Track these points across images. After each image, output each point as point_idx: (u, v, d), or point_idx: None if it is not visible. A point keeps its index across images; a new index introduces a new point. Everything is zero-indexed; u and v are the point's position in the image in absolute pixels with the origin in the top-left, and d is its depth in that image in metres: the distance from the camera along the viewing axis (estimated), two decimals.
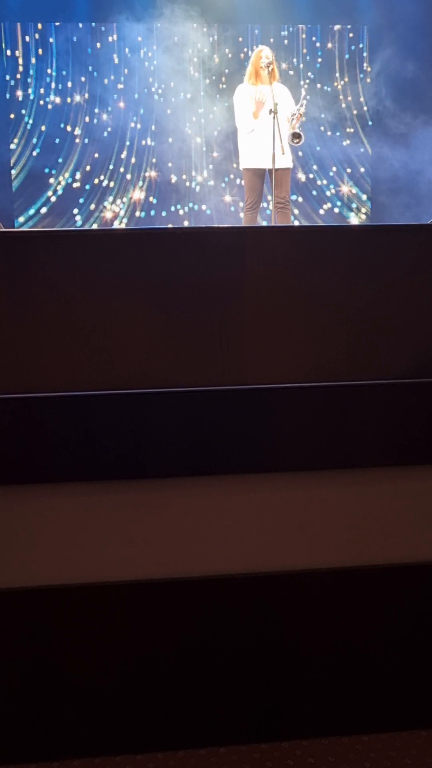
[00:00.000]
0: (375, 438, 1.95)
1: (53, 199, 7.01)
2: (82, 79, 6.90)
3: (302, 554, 1.92)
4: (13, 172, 6.93)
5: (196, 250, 2.04)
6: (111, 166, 7.04)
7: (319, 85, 7.13)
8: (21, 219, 6.97)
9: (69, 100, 6.91)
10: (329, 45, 7.10)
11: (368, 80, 7.11)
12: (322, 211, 7.24)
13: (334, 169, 7.21)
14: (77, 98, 6.92)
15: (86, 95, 6.92)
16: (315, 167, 7.19)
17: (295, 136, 4.25)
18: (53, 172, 6.97)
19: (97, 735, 1.89)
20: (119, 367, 1.97)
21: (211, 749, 1.88)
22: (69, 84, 6.90)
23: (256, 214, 4.58)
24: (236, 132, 4.61)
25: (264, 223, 6.06)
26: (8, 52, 6.81)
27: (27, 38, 6.82)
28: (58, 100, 6.91)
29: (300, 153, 6.89)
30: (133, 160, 7.08)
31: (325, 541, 1.94)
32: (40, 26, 6.79)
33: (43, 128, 6.90)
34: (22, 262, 1.97)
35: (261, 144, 4.31)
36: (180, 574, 1.89)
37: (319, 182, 7.22)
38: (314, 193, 7.23)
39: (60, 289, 1.96)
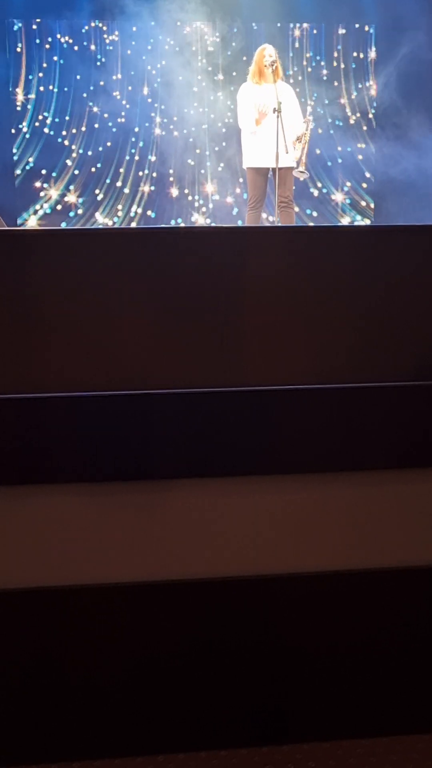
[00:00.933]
0: (378, 440, 1.94)
1: (40, 215, 6.96)
2: (84, 95, 6.85)
3: (305, 557, 1.91)
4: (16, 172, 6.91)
5: (198, 249, 2.03)
6: (108, 180, 6.97)
7: (324, 85, 7.10)
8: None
9: (67, 111, 6.86)
10: (335, 44, 7.07)
11: (374, 81, 7.08)
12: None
13: (340, 171, 7.17)
14: (76, 108, 6.87)
15: (87, 104, 6.86)
16: (323, 173, 7.13)
17: (300, 172, 4.37)
18: (45, 185, 6.92)
19: (97, 737, 1.88)
20: (120, 368, 1.97)
21: (211, 752, 1.87)
22: (68, 103, 6.85)
23: (259, 213, 4.57)
24: (240, 132, 4.60)
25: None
26: (12, 51, 6.80)
27: (23, 43, 6.78)
28: (54, 124, 6.86)
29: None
30: (132, 172, 7.01)
31: (328, 544, 1.93)
32: (36, 24, 6.74)
33: (39, 145, 6.88)
34: (23, 261, 1.97)
35: (264, 143, 4.30)
36: (181, 576, 1.88)
37: (328, 192, 7.16)
38: (317, 195, 7.18)
39: (60, 288, 1.96)
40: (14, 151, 6.86)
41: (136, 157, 6.98)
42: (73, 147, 6.91)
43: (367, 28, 7.06)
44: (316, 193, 7.13)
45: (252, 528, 1.91)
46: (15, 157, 6.88)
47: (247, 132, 4.41)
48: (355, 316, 2.05)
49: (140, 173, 7.03)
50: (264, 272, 2.01)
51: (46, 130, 6.86)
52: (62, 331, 1.96)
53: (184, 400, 1.89)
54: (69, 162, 6.91)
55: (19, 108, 6.81)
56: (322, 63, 7.07)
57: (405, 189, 6.73)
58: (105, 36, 6.83)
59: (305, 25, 6.99)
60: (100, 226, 6.73)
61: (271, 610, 1.91)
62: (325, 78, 7.08)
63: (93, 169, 6.97)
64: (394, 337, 2.05)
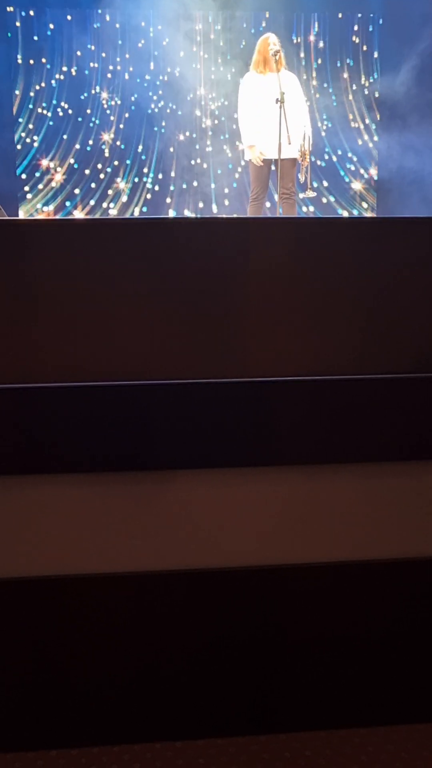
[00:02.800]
0: (379, 432, 1.94)
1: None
2: (77, 107, 6.77)
3: (305, 548, 1.92)
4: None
5: (199, 240, 2.02)
6: (92, 202, 6.89)
7: (328, 76, 7.05)
8: None
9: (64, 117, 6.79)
10: (339, 34, 7.01)
11: (378, 71, 7.03)
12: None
13: (343, 162, 7.12)
14: (71, 120, 6.79)
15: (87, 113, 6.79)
16: (326, 158, 7.08)
17: (310, 192, 4.44)
18: (24, 198, 6.86)
19: (96, 724, 1.89)
20: (120, 358, 1.96)
21: (209, 740, 1.89)
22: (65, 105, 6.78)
23: (262, 205, 4.55)
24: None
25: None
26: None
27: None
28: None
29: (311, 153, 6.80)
30: (130, 187, 6.92)
31: (328, 536, 1.93)
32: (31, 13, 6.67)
33: (29, 153, 6.82)
34: (23, 251, 1.96)
35: (267, 134, 4.28)
36: (181, 566, 1.89)
37: (326, 182, 7.12)
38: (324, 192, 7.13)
39: (61, 279, 1.95)
40: (16, 139, 6.83)
41: (140, 154, 6.92)
42: (63, 166, 6.81)
43: (373, 19, 6.99)
44: (343, 213, 7.05)
45: (251, 519, 1.92)
46: (18, 146, 6.84)
47: (246, 126, 4.40)
48: (357, 307, 2.04)
49: (141, 178, 6.99)
50: (265, 263, 2.01)
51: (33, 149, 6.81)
52: (62, 321, 1.96)
53: (185, 391, 1.89)
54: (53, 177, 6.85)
55: (19, 95, 6.77)
56: (327, 54, 7.01)
57: (409, 182, 6.69)
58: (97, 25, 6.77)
59: (312, 14, 6.93)
60: (101, 217, 6.68)
61: (271, 600, 1.91)
62: (327, 67, 7.03)
63: (78, 190, 6.90)
64: (396, 328, 2.05)
